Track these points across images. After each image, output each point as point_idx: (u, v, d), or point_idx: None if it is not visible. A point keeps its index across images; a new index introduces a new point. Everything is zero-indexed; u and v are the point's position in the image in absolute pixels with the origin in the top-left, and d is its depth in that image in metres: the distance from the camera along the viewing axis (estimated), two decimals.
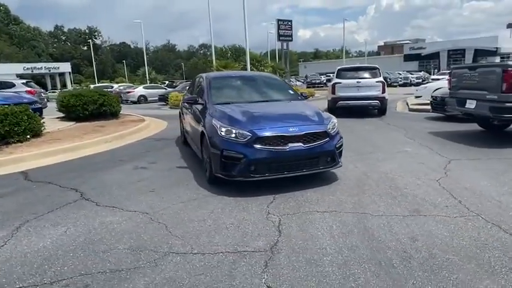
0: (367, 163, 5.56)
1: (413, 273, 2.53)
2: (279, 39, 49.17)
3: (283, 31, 48.60)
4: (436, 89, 13.38)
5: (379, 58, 70.56)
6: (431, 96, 10.84)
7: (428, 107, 13.11)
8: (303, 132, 4.33)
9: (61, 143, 7.39)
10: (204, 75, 6.46)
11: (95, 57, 68.08)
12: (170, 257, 2.89)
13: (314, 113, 4.83)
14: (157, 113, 15.35)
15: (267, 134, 4.22)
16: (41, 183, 5.16)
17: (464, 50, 53.78)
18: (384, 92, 11.58)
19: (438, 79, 34.99)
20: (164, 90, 29.29)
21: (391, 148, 6.68)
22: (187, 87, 7.85)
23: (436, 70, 51.23)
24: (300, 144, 4.29)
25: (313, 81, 43.56)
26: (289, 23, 50.44)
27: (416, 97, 15.17)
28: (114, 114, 11.48)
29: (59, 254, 3.02)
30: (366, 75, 11.71)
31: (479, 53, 51.96)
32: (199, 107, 5.49)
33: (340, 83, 11.64)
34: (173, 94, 22.10)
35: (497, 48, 51.14)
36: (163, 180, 5.06)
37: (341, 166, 4.73)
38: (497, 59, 51.43)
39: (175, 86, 35.95)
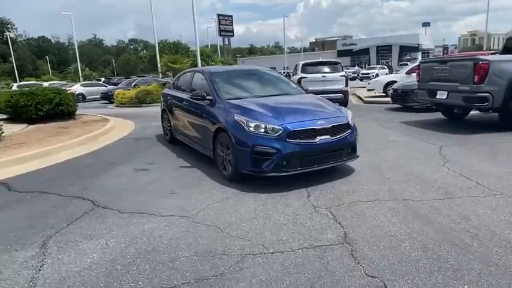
0: (369, 153, 5.81)
1: (490, 250, 2.73)
2: (220, 35, 48.87)
3: (224, 26, 48.37)
4: (389, 82, 14.49)
5: (314, 54, 73.63)
6: (392, 89, 11.66)
7: (382, 99, 14.15)
8: (330, 125, 4.39)
9: (30, 148, 6.54)
10: (199, 69, 6.21)
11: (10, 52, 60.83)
12: (250, 259, 2.75)
13: (332, 106, 4.92)
14: (107, 111, 14.27)
15: (299, 127, 4.20)
16: (33, 193, 4.54)
17: (391, 46, 58.61)
18: (346, 85, 12.18)
19: (368, 73, 37.72)
20: (105, 87, 27.40)
21: (379, 138, 7.07)
22: (173, 83, 7.40)
23: (366, 65, 55.14)
24: (328, 136, 4.35)
25: None
26: (230, 18, 50.27)
27: (369, 90, 16.19)
28: (71, 114, 10.44)
29: (119, 269, 2.70)
30: (329, 69, 12.19)
31: (404, 49, 57.07)
32: (205, 103, 5.24)
33: (306, 77, 11.95)
34: (119, 92, 20.79)
35: (419, 44, 56.63)
36: (176, 182, 4.77)
37: (358, 157, 4.89)
38: (419, 55, 56.98)
39: (116, 83, 33.86)
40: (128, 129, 9.16)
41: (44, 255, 2.96)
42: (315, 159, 4.32)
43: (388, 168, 4.97)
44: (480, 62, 6.64)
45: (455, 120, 8.74)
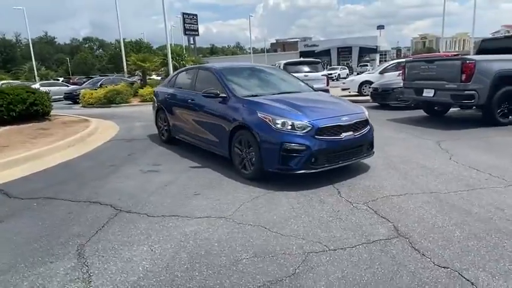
0: (376, 149, 5.93)
1: None
2: (185, 34, 47.82)
3: (189, 25, 47.46)
4: (364, 82, 15.01)
5: (277, 55, 74.52)
6: (372, 88, 12.06)
7: (357, 98, 14.61)
8: (353, 121, 4.44)
9: (15, 151, 5.99)
10: (204, 67, 6.06)
11: None
12: (315, 258, 2.69)
13: (348, 103, 4.98)
14: (78, 112, 13.41)
15: (326, 124, 4.20)
16: (38, 199, 4.15)
17: (351, 47, 60.73)
18: (328, 84, 12.43)
19: (330, 73, 38.65)
20: (67, 87, 25.90)
21: (376, 135, 7.24)
22: (168, 81, 7.07)
23: (327, 65, 56.76)
24: (351, 133, 4.39)
25: None
26: (195, 17, 49.51)
27: (343, 89, 16.64)
28: (45, 115, 9.72)
29: (181, 276, 2.53)
30: (310, 69, 12.39)
31: (363, 51, 59.38)
32: (216, 101, 5.09)
33: None
34: (86, 92, 19.72)
35: (377, 46, 59.19)
36: (194, 182, 4.58)
37: (374, 153, 4.97)
38: (377, 56, 59.57)
39: (78, 83, 32.12)
40: (112, 130, 8.67)
41: (87, 266, 2.71)
42: (340, 156, 4.34)
43: (400, 163, 5.11)
44: (467, 62, 7.04)
45: (437, 116, 9.22)
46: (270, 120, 4.21)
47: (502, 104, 7.45)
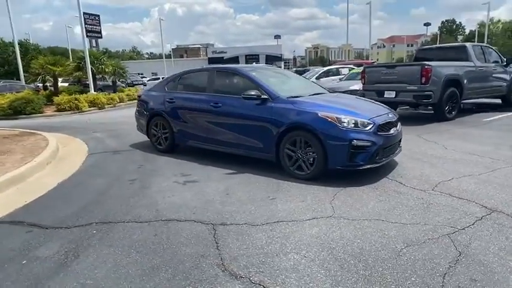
0: None
1: None
2: (87, 36, 43.59)
3: (91, 26, 43.30)
4: None
5: (183, 60, 73.33)
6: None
7: None
8: (396, 118, 4.86)
9: None
10: (230, 68, 5.89)
11: None
12: (460, 236, 2.94)
13: (375, 102, 5.39)
14: None
15: (383, 121, 4.52)
16: (91, 225, 3.48)
17: (258, 55, 63.42)
18: None
19: None
20: None
21: None
22: (166, 84, 6.42)
23: None
24: (396, 128, 4.80)
25: (135, 82, 41.40)
26: (97, 18, 45.60)
27: None
28: None
29: (365, 275, 2.50)
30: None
31: (269, 58, 62.59)
32: (252, 104, 4.97)
33: None
34: None
35: (281, 54, 63.10)
36: (254, 187, 4.41)
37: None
38: (282, 64, 63.47)
39: None
40: (75, 143, 7.50)
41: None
42: (389, 150, 4.69)
43: (413, 154, 5.71)
44: (426, 67, 8.25)
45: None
46: (334, 119, 4.33)
47: (448, 102, 8.89)
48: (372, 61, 19.00)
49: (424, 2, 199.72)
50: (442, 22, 79.11)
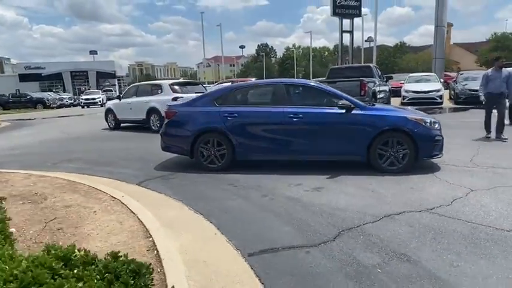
0: None
1: None
2: None
3: None
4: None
5: None
6: None
7: None
8: None
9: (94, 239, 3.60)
10: (301, 83, 6.26)
11: None
12: None
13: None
14: None
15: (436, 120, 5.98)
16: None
17: (86, 71, 57.03)
18: None
19: (94, 98, 35.40)
20: None
21: None
22: (215, 100, 5.84)
23: (60, 91, 50.91)
24: None
25: None
26: None
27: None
28: None
29: None
30: (197, 90, 12.58)
31: (101, 75, 57.36)
32: (337, 113, 5.60)
33: (182, 97, 11.67)
34: None
35: (114, 71, 58.80)
36: (352, 185, 5.03)
37: None
38: (116, 81, 59.61)
39: None
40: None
41: None
42: None
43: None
44: (364, 82, 10.53)
45: None
46: (420, 121, 5.51)
47: None
48: (249, 79, 20.98)
49: (232, 28, 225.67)
50: (258, 45, 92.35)
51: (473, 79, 16.33)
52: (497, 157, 6.37)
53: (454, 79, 17.53)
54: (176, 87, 12.04)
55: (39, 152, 9.16)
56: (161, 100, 11.82)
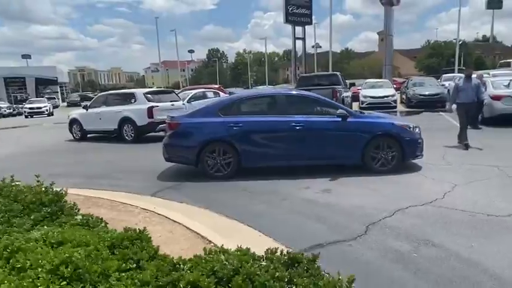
0: None
1: None
2: None
3: None
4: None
5: None
6: None
7: None
8: None
9: None
10: (301, 94, 6.90)
11: None
12: None
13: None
14: None
15: None
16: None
17: (24, 78, 52.93)
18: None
19: (39, 107, 32.78)
20: None
21: None
22: (222, 110, 6.12)
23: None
24: None
25: None
26: None
27: None
28: None
29: None
30: (172, 98, 12.62)
31: (41, 82, 53.59)
32: (333, 120, 6.21)
33: (157, 106, 11.67)
34: None
35: (56, 78, 55.23)
36: (353, 188, 5.71)
37: None
38: (58, 88, 56.19)
39: None
40: None
41: None
42: None
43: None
44: (336, 90, 11.42)
45: None
46: (405, 126, 6.31)
47: None
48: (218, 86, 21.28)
49: (179, 32, 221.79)
50: (209, 50, 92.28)
51: (420, 84, 18.24)
52: (462, 155, 7.44)
53: (404, 84, 19.43)
54: (150, 96, 11.97)
55: (12, 168, 8.63)
56: (136, 110, 11.73)
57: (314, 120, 6.33)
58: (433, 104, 16.33)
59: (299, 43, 36.52)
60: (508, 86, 10.73)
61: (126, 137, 11.91)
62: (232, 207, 4.89)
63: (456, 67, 31.99)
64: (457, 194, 5.07)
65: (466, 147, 7.83)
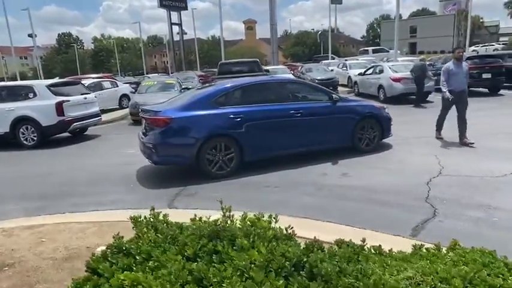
0: None
1: None
2: None
3: None
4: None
5: None
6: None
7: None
8: None
9: None
10: (292, 80, 6.85)
11: None
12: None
13: None
14: None
15: None
16: None
17: None
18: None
19: None
20: None
21: None
22: (215, 101, 5.17)
23: None
24: None
25: None
26: None
27: None
28: None
29: None
30: (83, 90, 10.43)
31: None
32: (326, 104, 6.31)
33: (68, 100, 9.48)
34: None
35: None
36: (364, 169, 6.10)
37: None
38: None
39: None
40: None
41: None
42: None
43: None
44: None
45: None
46: (382, 107, 6.90)
47: None
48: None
49: (11, 11, 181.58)
50: (59, 35, 78.07)
51: (310, 70, 19.95)
52: (419, 130, 8.20)
53: (299, 69, 21.17)
54: (56, 88, 9.61)
55: None
56: (37, 106, 9.25)
57: (311, 106, 6.27)
58: (327, 87, 18.19)
59: (163, 28, 35.09)
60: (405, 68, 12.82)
61: (25, 142, 9.33)
62: (279, 204, 4.43)
63: (330, 54, 36.68)
64: (448, 162, 5.78)
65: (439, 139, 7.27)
